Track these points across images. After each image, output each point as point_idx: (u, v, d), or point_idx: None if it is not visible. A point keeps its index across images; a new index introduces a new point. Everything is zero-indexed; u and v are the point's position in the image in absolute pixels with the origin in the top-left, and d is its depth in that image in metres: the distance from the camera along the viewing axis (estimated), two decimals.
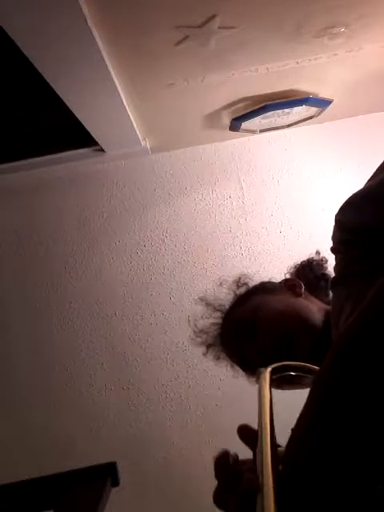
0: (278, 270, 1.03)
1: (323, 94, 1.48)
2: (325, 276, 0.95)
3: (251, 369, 0.86)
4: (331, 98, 1.50)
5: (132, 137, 1.55)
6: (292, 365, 0.62)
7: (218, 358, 0.94)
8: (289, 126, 1.67)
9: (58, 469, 0.86)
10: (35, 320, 1.71)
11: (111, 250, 1.75)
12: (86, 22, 0.85)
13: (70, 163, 1.73)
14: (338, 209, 0.65)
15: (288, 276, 0.99)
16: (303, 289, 0.87)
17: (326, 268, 0.97)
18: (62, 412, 1.65)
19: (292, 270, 1.01)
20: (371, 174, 0.65)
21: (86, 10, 0.83)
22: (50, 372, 1.67)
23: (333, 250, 0.68)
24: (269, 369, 0.58)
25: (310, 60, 1.24)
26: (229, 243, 1.74)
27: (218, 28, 0.98)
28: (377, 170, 0.65)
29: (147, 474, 1.60)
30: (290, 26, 1.04)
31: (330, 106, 1.52)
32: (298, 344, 0.76)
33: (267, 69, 1.25)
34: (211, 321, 0.95)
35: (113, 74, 1.08)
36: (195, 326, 0.98)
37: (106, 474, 0.82)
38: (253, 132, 1.68)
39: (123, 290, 1.72)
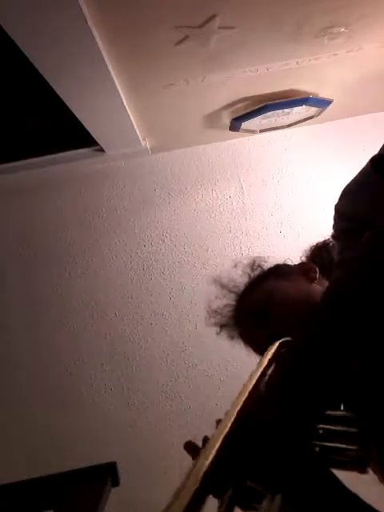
0: None
1: (323, 94, 1.48)
2: None
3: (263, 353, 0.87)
4: (331, 98, 1.50)
5: (132, 137, 1.55)
6: None
7: (232, 338, 0.94)
8: (289, 126, 1.67)
9: (57, 469, 0.86)
10: (35, 320, 1.71)
11: (111, 249, 1.75)
12: (86, 21, 0.85)
13: (70, 163, 1.73)
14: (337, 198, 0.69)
15: (304, 259, 0.99)
16: (318, 274, 0.87)
17: None
18: (62, 412, 1.65)
19: (308, 252, 1.00)
20: None
21: (85, 10, 0.83)
22: (49, 372, 1.67)
23: (333, 237, 0.72)
24: (279, 341, 0.63)
25: (309, 60, 1.24)
26: (229, 243, 1.74)
27: (218, 28, 0.99)
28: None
29: (147, 475, 1.60)
30: (290, 26, 1.04)
31: (330, 106, 1.52)
32: None
33: (267, 69, 1.25)
34: (225, 302, 0.94)
35: (113, 74, 1.08)
36: (209, 306, 0.97)
37: (106, 474, 0.82)
38: (253, 132, 1.68)
39: (123, 290, 1.72)
